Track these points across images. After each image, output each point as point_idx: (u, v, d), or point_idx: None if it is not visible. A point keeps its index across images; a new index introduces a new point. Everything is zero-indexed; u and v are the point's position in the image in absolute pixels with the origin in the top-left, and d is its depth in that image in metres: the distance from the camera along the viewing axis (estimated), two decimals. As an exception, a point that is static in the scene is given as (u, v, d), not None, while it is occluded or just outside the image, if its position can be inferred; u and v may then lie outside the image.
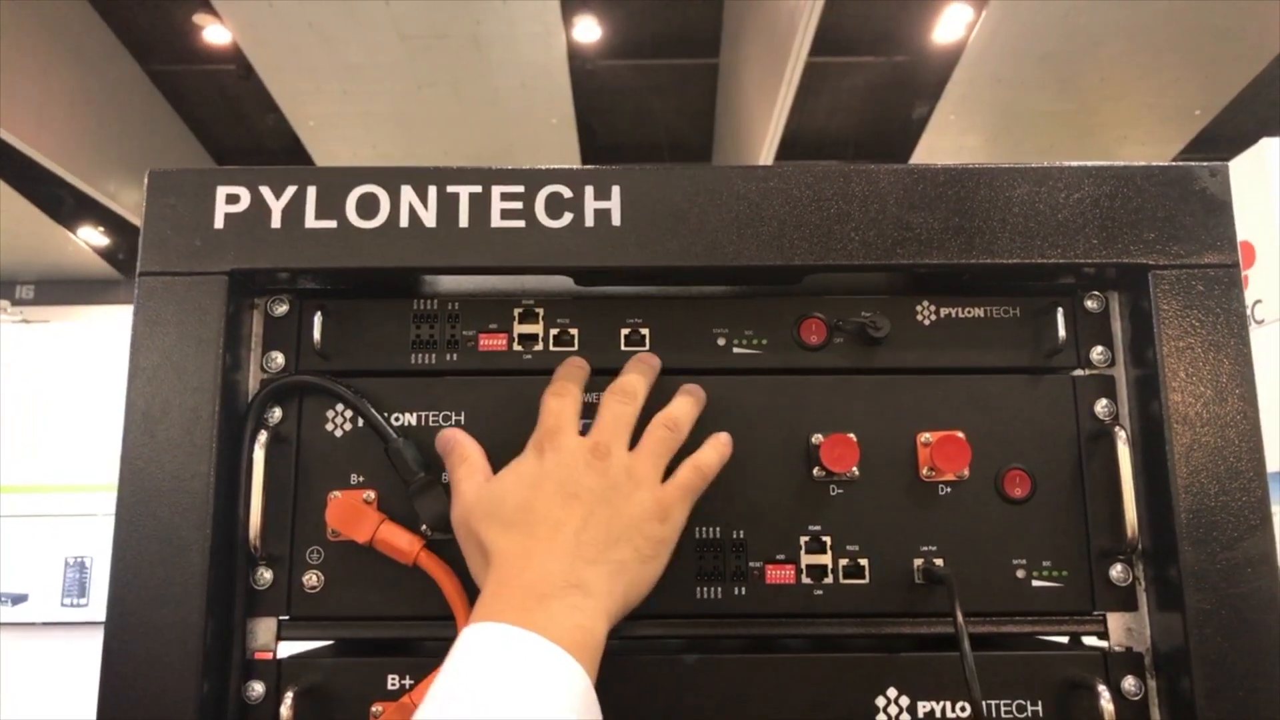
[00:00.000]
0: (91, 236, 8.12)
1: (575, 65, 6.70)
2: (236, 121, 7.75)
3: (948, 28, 6.14)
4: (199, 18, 6.35)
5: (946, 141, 7.28)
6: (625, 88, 7.40)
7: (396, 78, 6.66)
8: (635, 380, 0.65)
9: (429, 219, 0.67)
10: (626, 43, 6.85)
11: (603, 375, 0.69)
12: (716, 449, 0.65)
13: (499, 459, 0.67)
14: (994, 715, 0.64)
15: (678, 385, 0.68)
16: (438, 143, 7.48)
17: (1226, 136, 6.66)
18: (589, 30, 6.53)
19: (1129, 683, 0.64)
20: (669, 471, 0.63)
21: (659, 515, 0.61)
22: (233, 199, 0.67)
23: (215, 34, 6.47)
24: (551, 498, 0.59)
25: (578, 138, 7.52)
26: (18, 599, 4.11)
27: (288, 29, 6.06)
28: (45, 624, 4.08)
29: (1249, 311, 2.43)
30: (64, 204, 7.38)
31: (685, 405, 0.66)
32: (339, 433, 0.68)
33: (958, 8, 5.92)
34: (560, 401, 0.64)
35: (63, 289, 8.47)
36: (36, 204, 7.36)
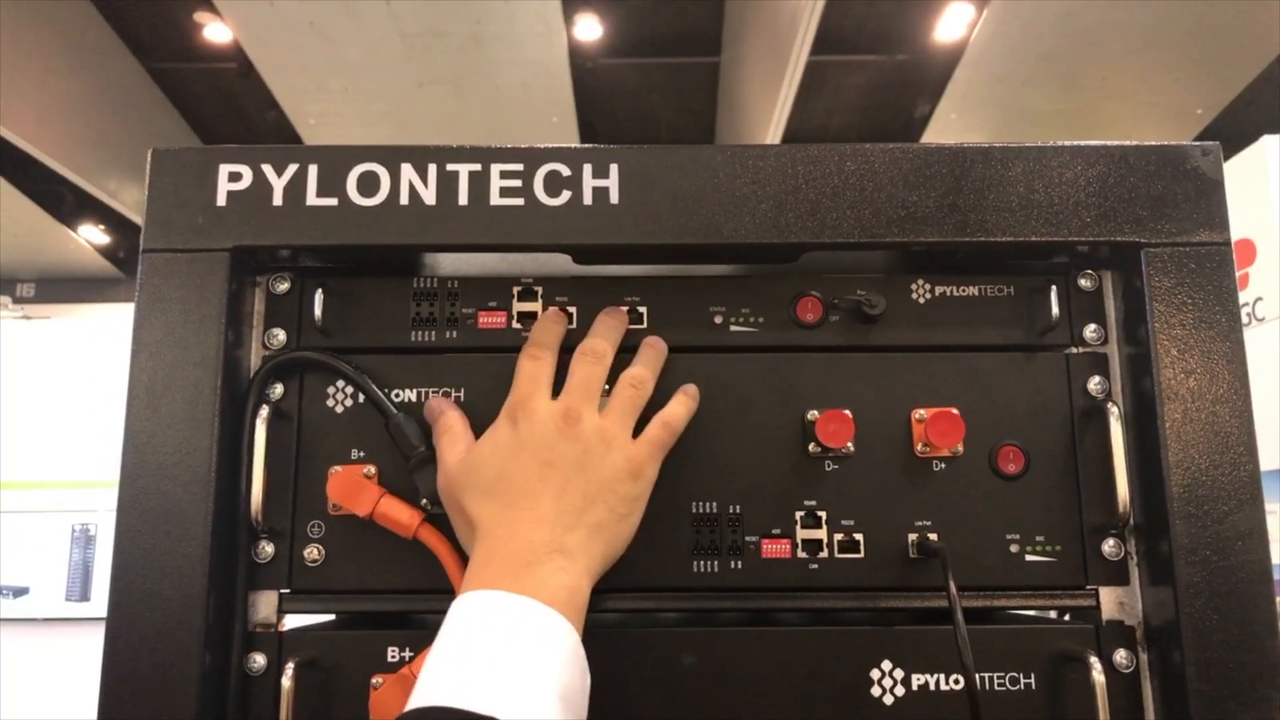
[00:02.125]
0: (92, 234, 8.12)
1: (576, 64, 6.70)
2: (237, 119, 7.75)
3: (949, 27, 6.14)
4: (200, 16, 6.36)
5: (948, 140, 7.27)
6: (626, 86, 7.41)
7: (397, 76, 6.66)
8: (602, 342, 0.67)
9: (429, 197, 0.68)
10: (627, 41, 6.85)
11: (601, 353, 0.69)
12: (684, 403, 0.67)
13: (498, 436, 0.68)
14: (987, 688, 0.64)
15: (677, 363, 0.69)
16: (438, 141, 7.46)
17: (1228, 135, 6.63)
18: (590, 29, 6.53)
19: (1120, 655, 0.65)
20: (640, 426, 0.66)
21: (631, 474, 0.63)
22: (235, 177, 0.68)
23: (216, 32, 6.48)
24: (528, 467, 0.61)
25: (579, 136, 7.52)
26: (19, 592, 4.11)
27: (288, 27, 6.07)
28: (47, 619, 4.09)
29: (1250, 309, 2.43)
30: (65, 202, 7.38)
31: (649, 360, 0.68)
32: (339, 408, 0.69)
33: (959, 6, 5.92)
34: (535, 365, 0.65)
35: (64, 287, 8.47)
36: (37, 202, 7.37)
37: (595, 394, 0.65)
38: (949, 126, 7.17)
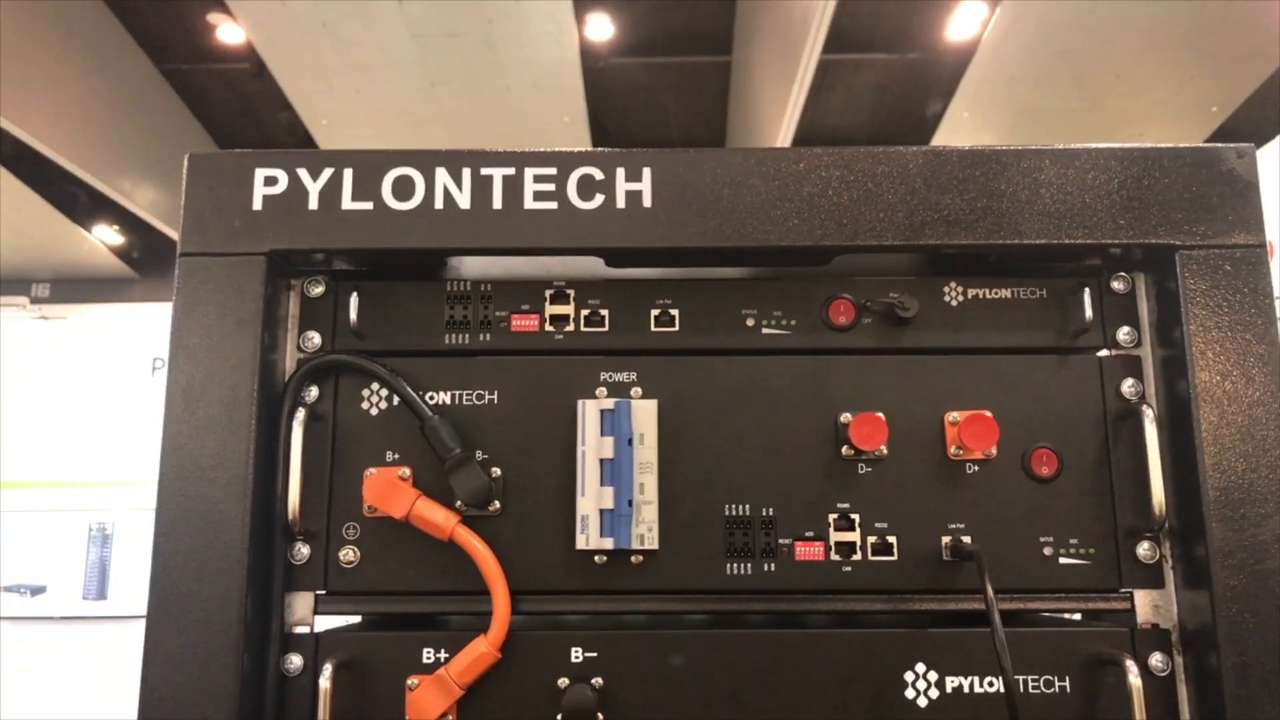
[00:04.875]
0: (106, 235, 8.16)
1: (587, 63, 6.70)
2: (250, 120, 7.77)
3: (961, 25, 6.11)
4: (213, 17, 6.38)
5: (960, 139, 7.25)
6: (638, 86, 7.40)
7: (408, 76, 6.67)
8: None
9: (463, 201, 0.68)
10: (639, 41, 6.85)
11: (632, 355, 0.70)
12: None
13: (529, 439, 0.68)
14: (1022, 690, 0.64)
15: (709, 366, 0.69)
16: (449, 141, 7.48)
17: (1243, 133, 6.61)
18: (601, 28, 6.53)
19: (1156, 659, 0.65)
20: None
21: None
22: (271, 181, 0.68)
23: (229, 33, 6.50)
24: None
25: (590, 136, 7.52)
26: (36, 590, 4.14)
27: (301, 28, 6.08)
28: (64, 618, 4.11)
29: (1266, 306, 2.41)
30: (79, 202, 7.42)
31: None
32: (374, 411, 0.69)
33: (971, 5, 5.90)
34: None
35: (78, 287, 8.52)
36: (52, 202, 7.40)
37: None
38: (961, 125, 7.14)
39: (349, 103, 7.04)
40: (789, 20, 5.87)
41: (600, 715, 0.64)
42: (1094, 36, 5.98)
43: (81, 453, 4.42)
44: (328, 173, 0.68)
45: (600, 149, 0.69)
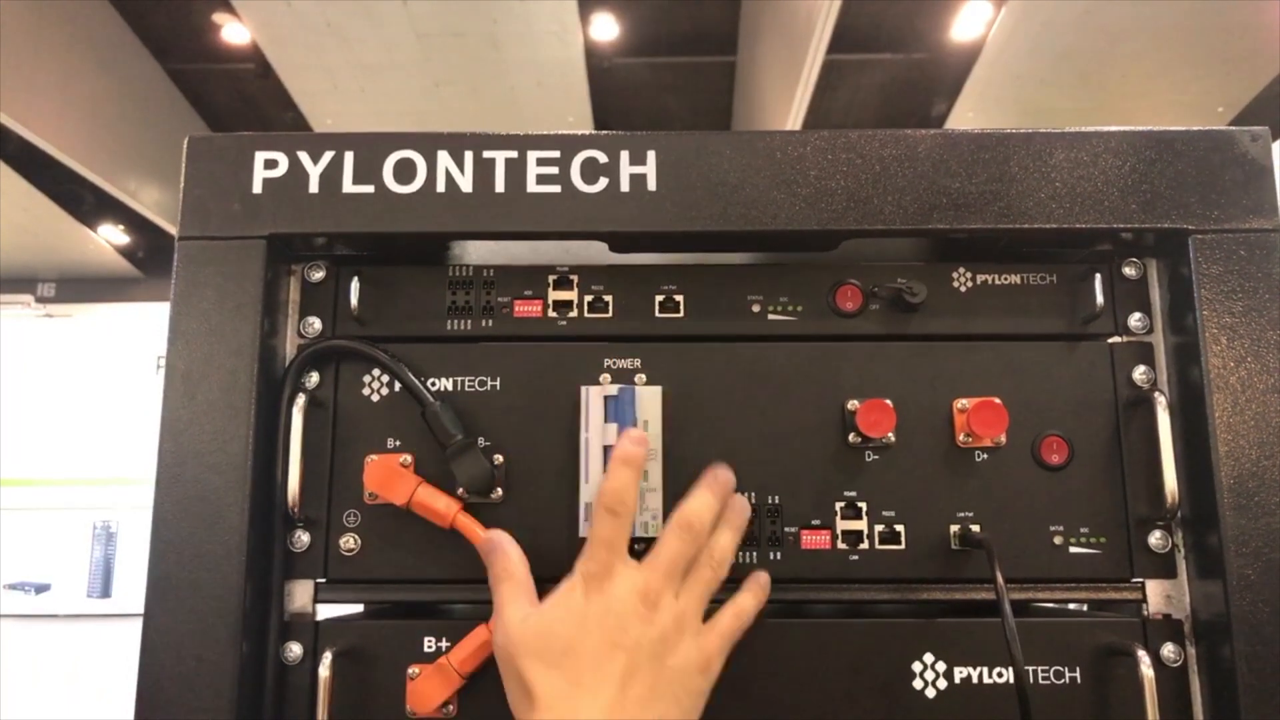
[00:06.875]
0: (112, 234, 8.18)
1: (592, 64, 6.70)
2: (255, 120, 7.79)
3: (966, 25, 6.10)
4: (218, 16, 6.39)
5: (964, 139, 7.23)
6: (642, 86, 7.40)
7: (413, 76, 6.68)
8: (704, 511, 0.62)
9: (465, 184, 0.67)
10: (643, 41, 6.85)
11: (637, 341, 0.69)
12: (756, 594, 0.64)
13: (532, 426, 0.67)
14: (1032, 681, 0.63)
15: (714, 352, 0.68)
16: (454, 141, 7.48)
17: (1248, 133, 6.58)
18: (606, 28, 6.53)
19: (1168, 649, 0.64)
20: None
21: (701, 666, 0.60)
22: (271, 164, 0.67)
23: (234, 33, 6.51)
24: (599, 645, 0.58)
25: (594, 136, 7.52)
26: (40, 588, 4.14)
27: (306, 28, 6.09)
28: (68, 616, 4.11)
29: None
30: (85, 202, 7.43)
31: (730, 540, 0.63)
32: (375, 397, 0.68)
33: (977, 5, 5.89)
34: (613, 528, 0.61)
35: (83, 286, 8.53)
36: (57, 201, 7.42)
37: (679, 575, 0.61)
38: (966, 125, 7.12)
39: (354, 102, 7.05)
40: (793, 20, 5.86)
41: (603, 705, 0.63)
42: (1099, 36, 5.97)
43: (85, 451, 4.43)
44: (328, 155, 0.67)
45: (604, 132, 0.68)
